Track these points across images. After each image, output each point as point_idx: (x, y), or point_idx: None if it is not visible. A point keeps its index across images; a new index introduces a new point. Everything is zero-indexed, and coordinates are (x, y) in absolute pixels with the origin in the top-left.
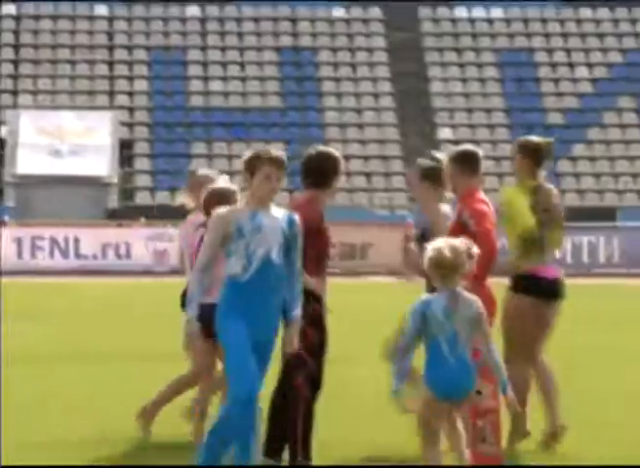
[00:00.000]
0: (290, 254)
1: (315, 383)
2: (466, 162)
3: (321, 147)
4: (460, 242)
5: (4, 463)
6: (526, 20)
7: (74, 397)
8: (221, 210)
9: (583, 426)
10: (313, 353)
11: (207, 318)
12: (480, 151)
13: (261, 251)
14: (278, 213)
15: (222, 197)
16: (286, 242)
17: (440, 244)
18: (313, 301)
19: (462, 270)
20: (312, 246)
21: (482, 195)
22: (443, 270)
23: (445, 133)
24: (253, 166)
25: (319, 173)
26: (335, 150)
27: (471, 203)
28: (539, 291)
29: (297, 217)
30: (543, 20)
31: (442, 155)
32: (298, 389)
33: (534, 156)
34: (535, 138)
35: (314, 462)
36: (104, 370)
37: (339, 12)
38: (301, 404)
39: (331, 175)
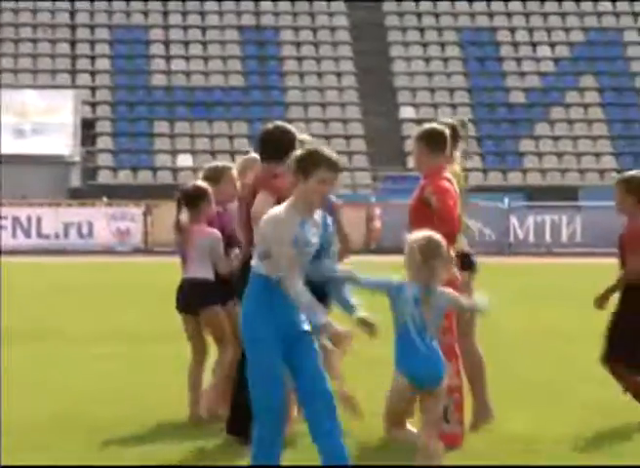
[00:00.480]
0: (320, 255)
1: None
2: (433, 141)
3: (279, 122)
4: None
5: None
6: (488, 0)
7: (31, 375)
8: (278, 214)
9: (539, 407)
10: None
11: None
12: (447, 130)
13: (304, 261)
14: (317, 215)
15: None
16: (320, 245)
17: (425, 233)
18: None
19: (442, 262)
20: None
21: (447, 174)
22: (425, 257)
23: (407, 112)
24: (307, 167)
25: (277, 147)
26: (291, 126)
27: (435, 180)
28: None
29: (330, 220)
30: (505, 0)
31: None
32: None
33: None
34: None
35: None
36: (63, 350)
37: None
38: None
39: (288, 149)
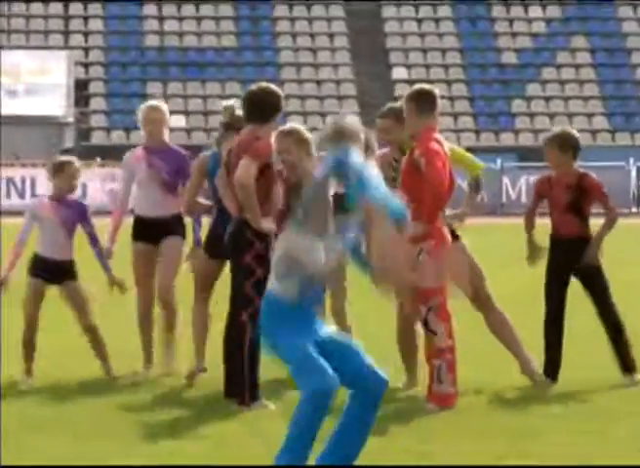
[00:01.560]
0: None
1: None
2: (422, 101)
3: (263, 83)
4: None
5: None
6: None
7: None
8: None
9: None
10: (260, 291)
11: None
12: (436, 90)
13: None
14: None
15: None
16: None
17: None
18: (258, 239)
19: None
20: (260, 184)
21: (437, 135)
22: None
23: (399, 73)
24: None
25: (261, 108)
26: (276, 87)
27: (425, 142)
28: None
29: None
30: None
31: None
32: (243, 326)
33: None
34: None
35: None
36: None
37: None
38: (247, 342)
39: (272, 111)
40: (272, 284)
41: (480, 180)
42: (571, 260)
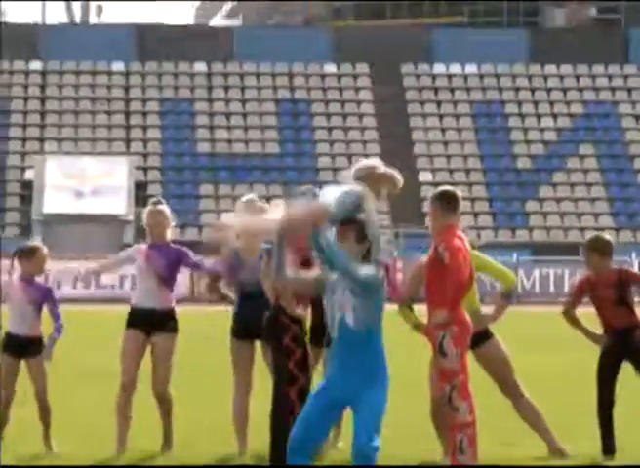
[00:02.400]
0: None
1: (305, 398)
2: (445, 201)
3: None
4: None
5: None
6: (497, 76)
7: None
8: None
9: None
10: (301, 369)
11: None
12: (459, 192)
13: None
14: None
15: None
16: None
17: None
18: (293, 323)
19: None
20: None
21: (459, 232)
22: None
23: (425, 176)
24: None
25: None
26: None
27: (447, 238)
28: None
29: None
30: (513, 76)
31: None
32: (291, 404)
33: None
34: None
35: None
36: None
37: (330, 68)
38: (291, 418)
39: None
40: None
41: (512, 292)
42: (624, 348)
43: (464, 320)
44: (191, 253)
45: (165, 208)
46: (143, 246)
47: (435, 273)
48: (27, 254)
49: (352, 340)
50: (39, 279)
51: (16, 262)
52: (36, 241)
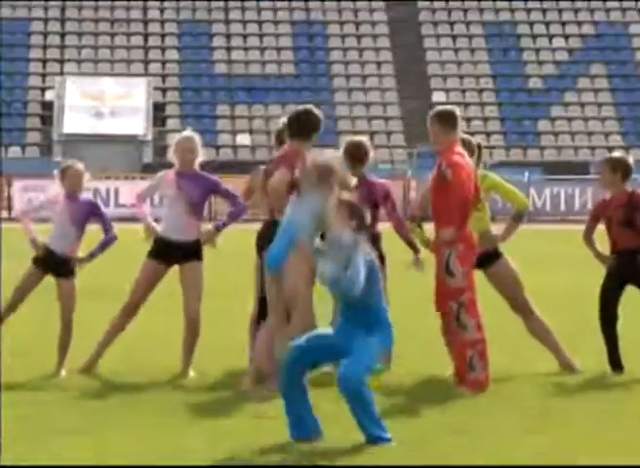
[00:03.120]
0: None
1: None
2: (445, 119)
3: (307, 106)
4: None
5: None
6: None
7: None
8: None
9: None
10: None
11: None
12: (457, 110)
13: None
14: None
15: None
16: None
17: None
18: None
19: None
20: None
21: (459, 148)
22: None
23: (439, 96)
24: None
25: (302, 126)
26: (317, 110)
27: (449, 155)
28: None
29: None
30: None
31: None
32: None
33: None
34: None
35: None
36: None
37: None
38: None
39: (311, 129)
40: None
41: (524, 214)
42: (628, 270)
43: (470, 238)
44: (222, 182)
45: (196, 136)
46: (170, 173)
47: (440, 191)
48: (62, 174)
49: (351, 303)
50: (86, 195)
51: (58, 182)
52: (70, 161)
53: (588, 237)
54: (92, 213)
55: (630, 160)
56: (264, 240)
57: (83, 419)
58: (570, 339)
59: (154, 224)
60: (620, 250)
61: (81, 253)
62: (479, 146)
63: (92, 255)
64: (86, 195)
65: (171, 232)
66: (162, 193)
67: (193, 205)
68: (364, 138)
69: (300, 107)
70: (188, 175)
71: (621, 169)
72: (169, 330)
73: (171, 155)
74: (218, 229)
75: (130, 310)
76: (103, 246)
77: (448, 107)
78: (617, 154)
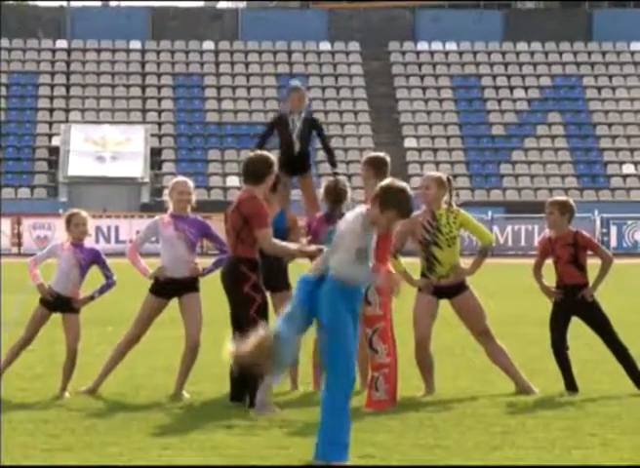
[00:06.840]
0: None
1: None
2: (378, 167)
3: (258, 151)
4: None
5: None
6: (474, 52)
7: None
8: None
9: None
10: (262, 314)
11: None
12: (387, 157)
13: None
14: None
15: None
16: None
17: None
18: (252, 271)
19: None
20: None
21: None
22: None
23: (410, 142)
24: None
25: (254, 171)
26: (270, 154)
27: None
28: None
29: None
30: (489, 52)
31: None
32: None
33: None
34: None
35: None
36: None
37: (325, 45)
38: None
39: (264, 174)
40: None
41: (489, 249)
42: (573, 303)
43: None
44: (212, 226)
45: (190, 181)
46: (166, 217)
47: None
48: (67, 221)
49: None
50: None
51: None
52: (75, 210)
53: (537, 272)
54: (95, 260)
55: (567, 199)
56: (236, 275)
57: (86, 436)
58: (531, 361)
59: (161, 266)
60: (566, 284)
61: (82, 292)
62: (449, 180)
63: (92, 298)
64: (89, 244)
65: (172, 271)
66: (159, 236)
67: (193, 244)
68: (342, 178)
69: (251, 153)
70: (182, 217)
71: (569, 211)
72: (170, 354)
73: (166, 197)
74: (203, 274)
75: (132, 340)
76: (103, 290)
77: (380, 154)
78: (562, 198)
